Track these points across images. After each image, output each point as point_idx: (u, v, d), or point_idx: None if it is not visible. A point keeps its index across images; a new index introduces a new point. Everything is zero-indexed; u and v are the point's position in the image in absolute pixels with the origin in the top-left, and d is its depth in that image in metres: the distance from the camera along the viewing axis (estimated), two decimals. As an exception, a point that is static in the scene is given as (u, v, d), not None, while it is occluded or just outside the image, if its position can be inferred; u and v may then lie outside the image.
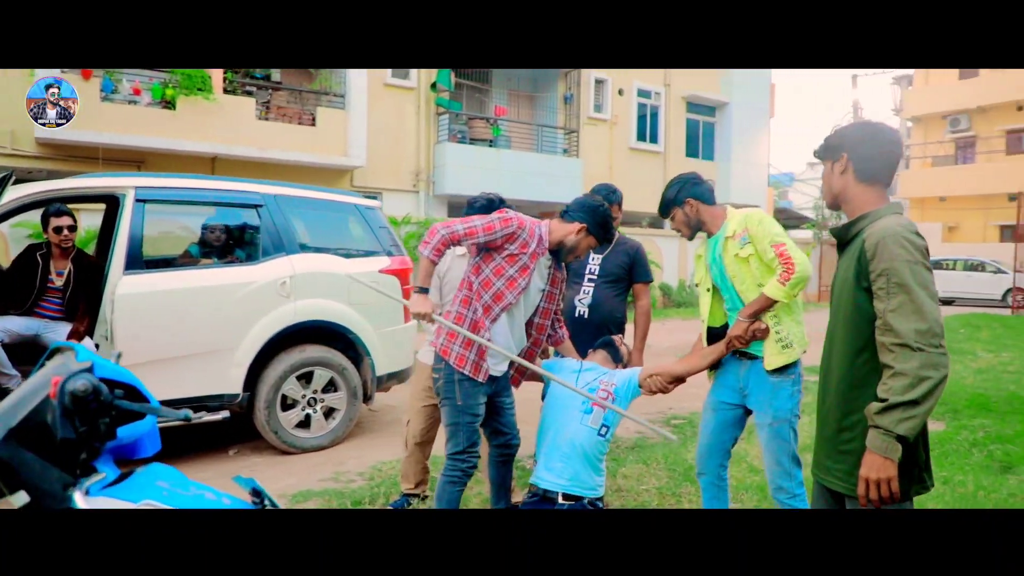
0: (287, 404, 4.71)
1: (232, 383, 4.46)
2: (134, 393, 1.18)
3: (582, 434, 2.94)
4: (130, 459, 1.28)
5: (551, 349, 3.70)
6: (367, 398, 5.09)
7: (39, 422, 1.09)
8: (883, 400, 1.71)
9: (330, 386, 4.87)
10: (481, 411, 2.89)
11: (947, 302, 20.08)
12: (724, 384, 2.92)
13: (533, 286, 2.93)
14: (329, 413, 4.89)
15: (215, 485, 1.32)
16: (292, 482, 4.09)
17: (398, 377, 5.31)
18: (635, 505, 3.74)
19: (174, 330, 4.30)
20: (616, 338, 3.36)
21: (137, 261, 4.30)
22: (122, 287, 4.16)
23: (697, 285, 3.08)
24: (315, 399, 4.81)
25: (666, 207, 2.97)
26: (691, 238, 3.05)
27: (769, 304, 2.67)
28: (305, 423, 4.79)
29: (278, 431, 4.63)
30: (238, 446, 4.86)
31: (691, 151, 19.93)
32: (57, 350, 1.31)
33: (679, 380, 3.01)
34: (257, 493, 1.31)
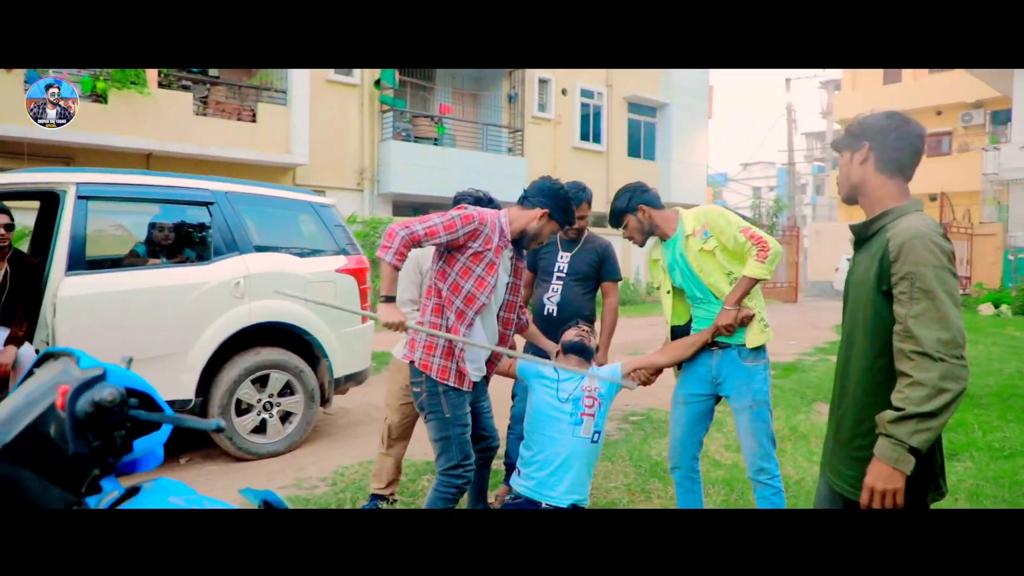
0: (242, 409, 4.53)
1: (184, 388, 4.27)
2: (148, 401, 1.09)
3: (576, 446, 2.87)
4: (128, 474, 1.18)
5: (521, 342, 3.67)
6: (324, 401, 4.96)
7: (39, 435, 0.98)
8: (898, 409, 1.64)
9: (286, 389, 4.72)
10: (468, 420, 2.77)
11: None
12: (695, 376, 2.96)
13: (499, 281, 2.81)
14: (286, 417, 4.73)
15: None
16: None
17: (356, 379, 5.19)
18: (606, 503, 3.74)
19: (121, 334, 4.09)
20: (583, 332, 3.18)
21: (80, 261, 4.07)
22: (64, 289, 3.94)
23: (657, 288, 3.13)
24: (271, 403, 4.65)
25: (619, 216, 3.02)
26: (643, 244, 3.10)
27: (752, 286, 2.77)
28: (261, 428, 4.62)
29: (233, 437, 4.45)
30: (190, 454, 4.66)
31: (633, 151, 20.22)
32: (49, 355, 1.19)
33: (659, 371, 3.03)
34: (269, 506, 1.23)
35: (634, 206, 2.96)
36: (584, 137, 18.81)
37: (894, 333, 1.71)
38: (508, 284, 2.89)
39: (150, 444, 1.11)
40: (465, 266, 2.69)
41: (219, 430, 1.05)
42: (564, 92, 18.29)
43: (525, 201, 2.84)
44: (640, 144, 20.47)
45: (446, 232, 2.61)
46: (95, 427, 0.98)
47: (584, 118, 18.84)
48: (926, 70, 25.50)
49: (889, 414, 1.66)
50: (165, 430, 1.13)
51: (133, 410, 1.00)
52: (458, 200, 3.38)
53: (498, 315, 2.91)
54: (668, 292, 3.02)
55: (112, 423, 0.99)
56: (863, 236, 1.88)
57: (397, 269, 2.58)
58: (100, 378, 0.99)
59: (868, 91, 28.19)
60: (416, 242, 2.58)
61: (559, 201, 2.82)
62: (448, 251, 2.71)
